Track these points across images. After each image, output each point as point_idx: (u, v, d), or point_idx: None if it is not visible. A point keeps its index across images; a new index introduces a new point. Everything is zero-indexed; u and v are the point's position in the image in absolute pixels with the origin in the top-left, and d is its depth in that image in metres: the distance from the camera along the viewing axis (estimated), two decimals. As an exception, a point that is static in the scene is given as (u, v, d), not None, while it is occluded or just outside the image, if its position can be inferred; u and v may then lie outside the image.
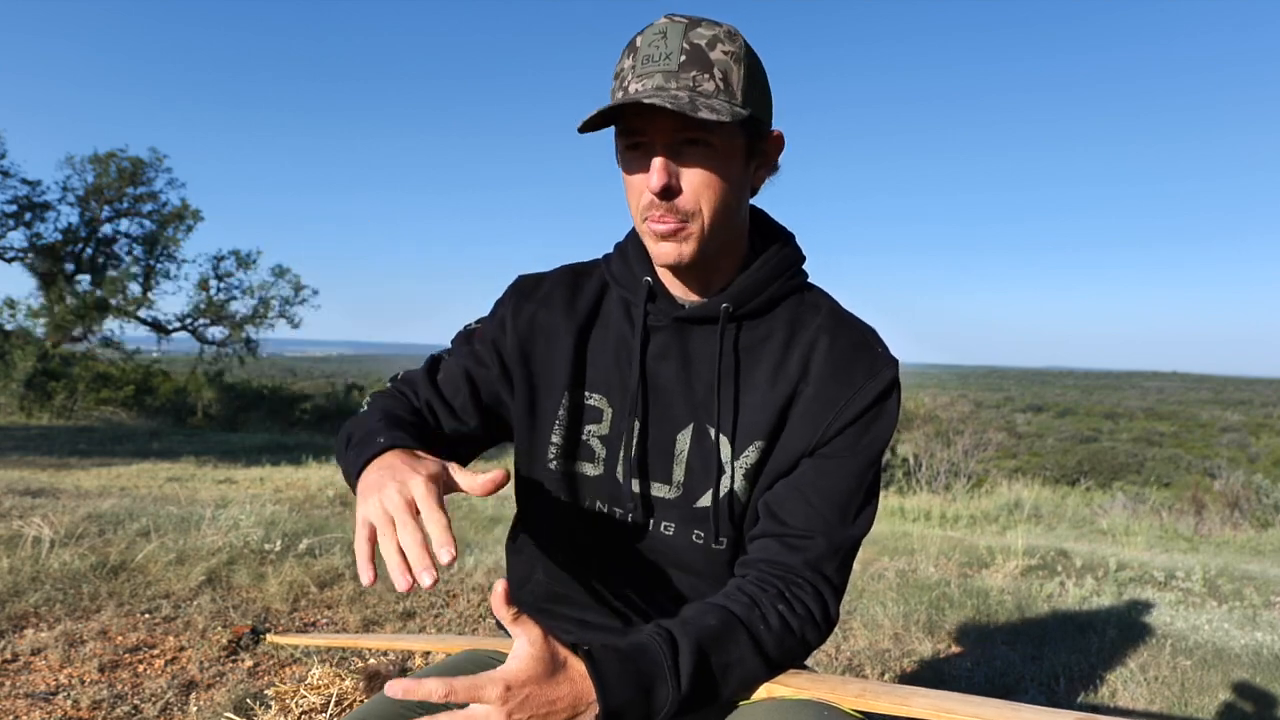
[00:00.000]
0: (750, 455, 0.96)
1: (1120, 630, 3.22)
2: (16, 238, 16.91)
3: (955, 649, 2.97)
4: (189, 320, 18.54)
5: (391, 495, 0.75)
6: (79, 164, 17.32)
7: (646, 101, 0.82)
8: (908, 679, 2.63)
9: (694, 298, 0.98)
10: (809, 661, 1.06)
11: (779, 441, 0.96)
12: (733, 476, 0.96)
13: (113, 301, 17.18)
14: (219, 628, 2.44)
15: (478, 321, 1.09)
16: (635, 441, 0.98)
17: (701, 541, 0.99)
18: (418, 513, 0.75)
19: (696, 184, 0.88)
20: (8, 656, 2.14)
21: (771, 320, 0.99)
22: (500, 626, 1.15)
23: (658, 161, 0.87)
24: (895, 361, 0.98)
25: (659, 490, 0.99)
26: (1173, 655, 2.88)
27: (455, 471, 0.82)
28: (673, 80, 0.85)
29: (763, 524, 0.95)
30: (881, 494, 1.05)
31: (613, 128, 0.92)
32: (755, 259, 0.99)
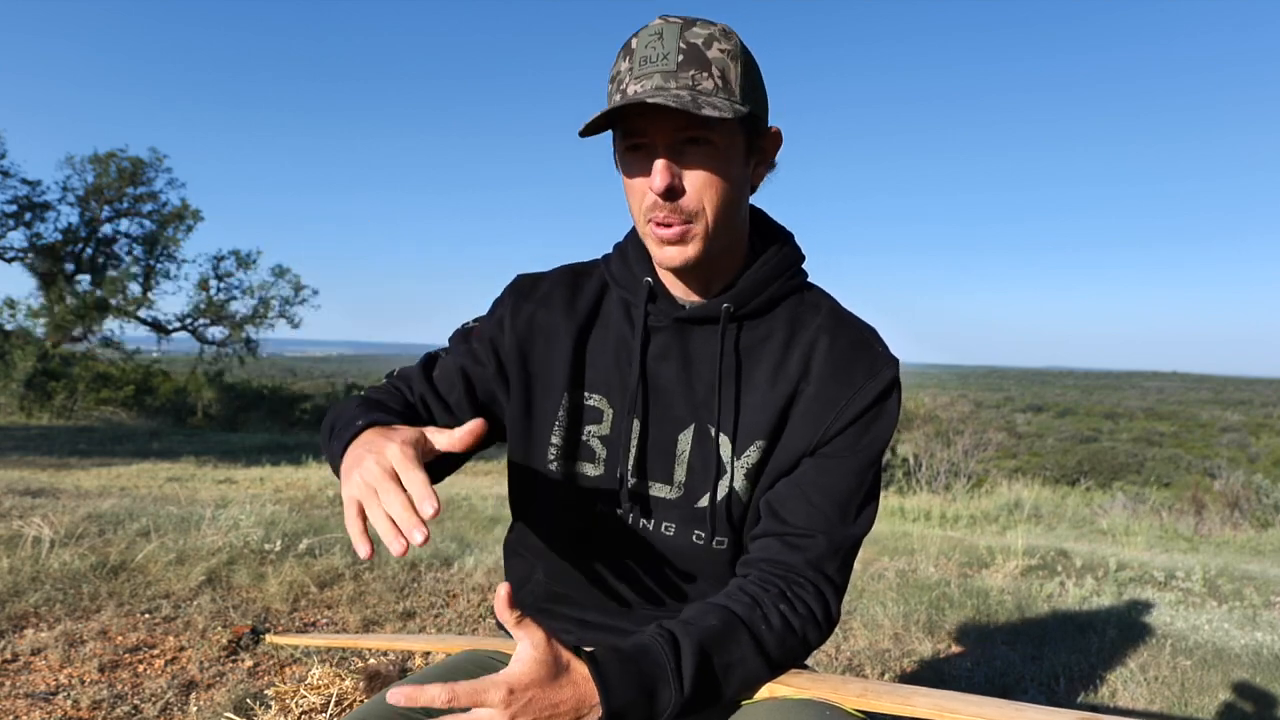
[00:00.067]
0: (751, 455, 0.96)
1: (1120, 630, 3.22)
2: (16, 238, 16.93)
3: (955, 649, 2.97)
4: (189, 320, 18.55)
5: (370, 467, 0.76)
6: (79, 164, 17.33)
7: (651, 101, 0.82)
8: (908, 679, 2.63)
9: (694, 298, 0.98)
10: (809, 661, 1.06)
11: (780, 441, 0.96)
12: (733, 476, 0.96)
13: (113, 301, 17.19)
14: (219, 628, 2.44)
15: (475, 320, 1.08)
16: (636, 442, 0.98)
17: (702, 541, 0.98)
18: (399, 479, 0.75)
19: (699, 184, 0.88)
20: (8, 656, 2.14)
21: (772, 320, 0.99)
22: (500, 627, 1.15)
23: (660, 163, 0.87)
24: (895, 361, 0.98)
25: (660, 490, 0.99)
26: (1173, 655, 2.88)
27: (432, 434, 0.82)
28: (672, 80, 0.85)
29: (764, 523, 0.95)
30: (882, 494, 1.05)
31: (611, 130, 0.92)
32: (755, 259, 0.99)
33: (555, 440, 1.01)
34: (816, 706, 0.84)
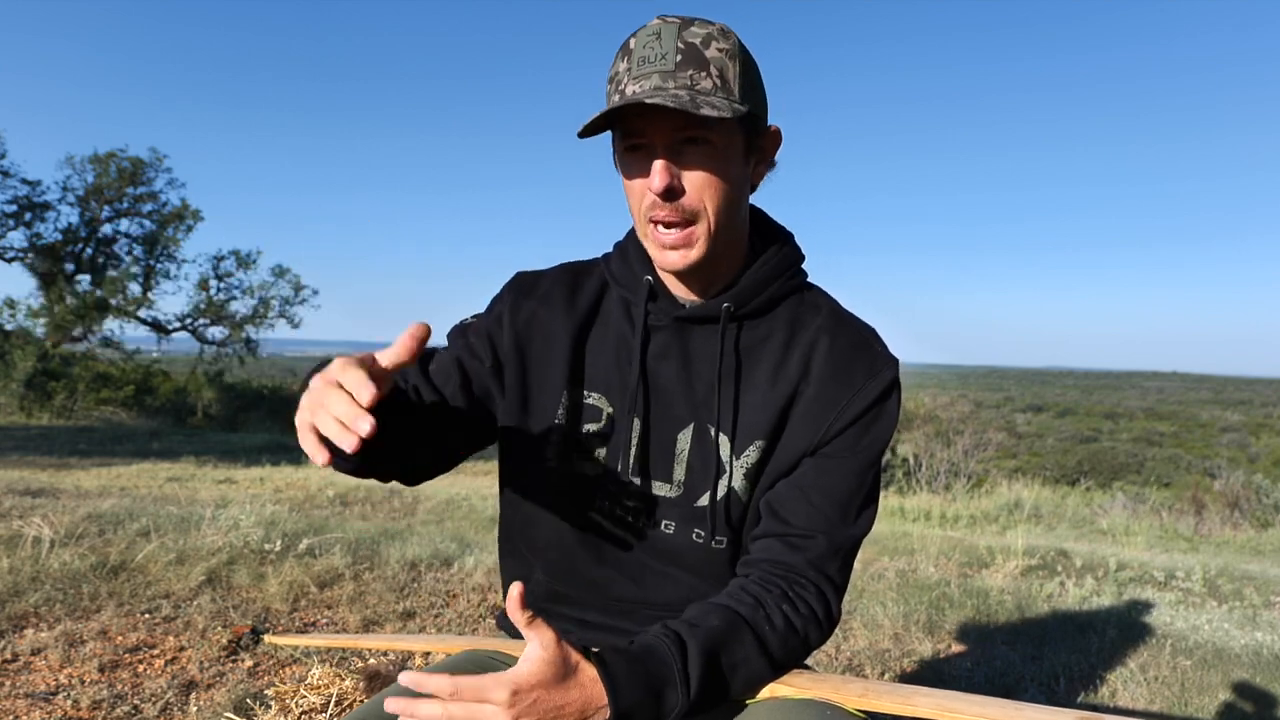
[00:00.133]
0: (751, 455, 0.96)
1: (1120, 630, 3.22)
2: (16, 238, 16.92)
3: (955, 649, 2.97)
4: (189, 320, 18.54)
5: (316, 385, 0.75)
6: (79, 164, 17.32)
7: (649, 101, 0.82)
8: (908, 679, 2.63)
9: (694, 297, 0.98)
10: (809, 661, 1.06)
11: (780, 441, 0.96)
12: (732, 476, 0.96)
13: (113, 301, 17.18)
14: (219, 628, 2.44)
15: (473, 317, 1.08)
16: (636, 440, 0.98)
17: (701, 540, 0.98)
18: (342, 387, 0.74)
19: (699, 183, 0.88)
20: (8, 656, 2.14)
21: (772, 320, 0.98)
22: (500, 627, 1.15)
23: (659, 163, 0.87)
24: (895, 361, 0.98)
25: (660, 489, 0.99)
26: (1173, 655, 2.88)
27: (378, 355, 0.80)
28: (670, 80, 0.85)
29: (764, 523, 0.95)
30: (881, 494, 1.05)
31: (610, 131, 0.92)
32: (755, 258, 0.99)
33: (555, 438, 1.00)
34: (817, 706, 0.84)
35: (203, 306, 18.45)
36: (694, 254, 0.90)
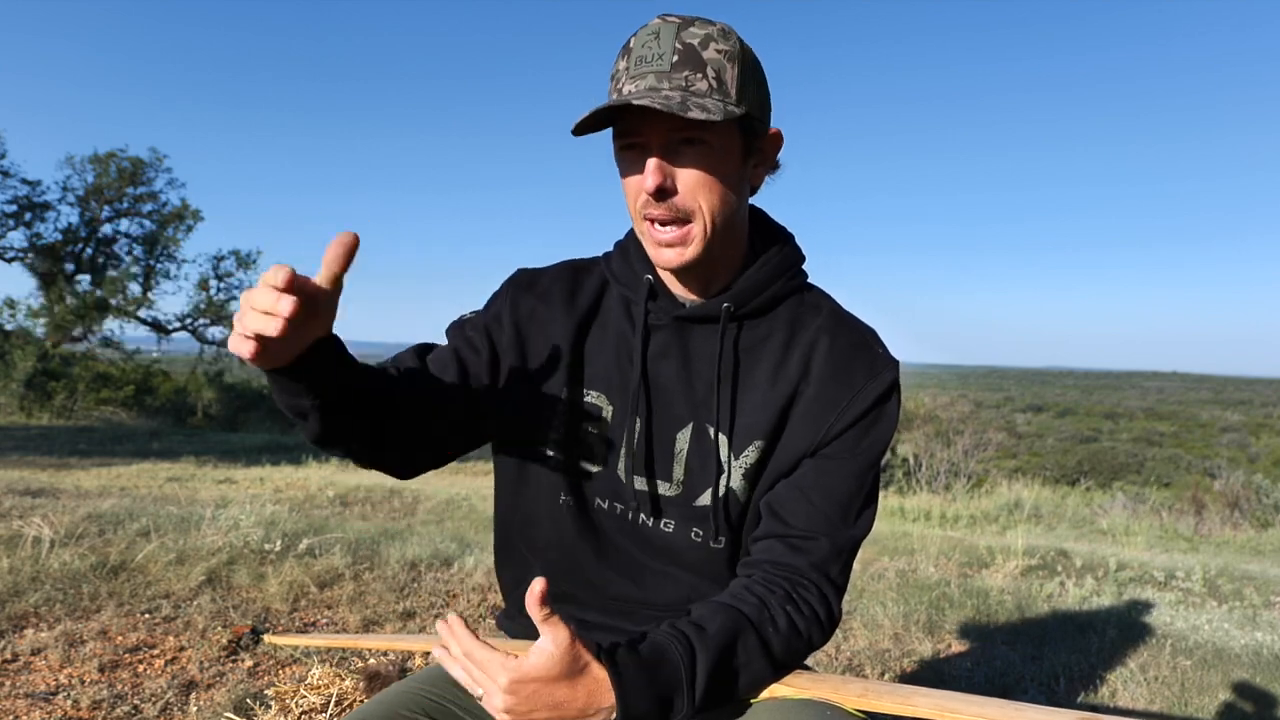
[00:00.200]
0: (750, 455, 0.96)
1: (1120, 630, 3.22)
2: (16, 238, 16.92)
3: (955, 649, 2.97)
4: (189, 320, 18.53)
5: (242, 297, 0.75)
6: (79, 164, 17.32)
7: (636, 103, 0.82)
8: (908, 679, 2.63)
9: (694, 297, 0.98)
10: (809, 661, 1.06)
11: (779, 442, 0.96)
12: (731, 476, 0.96)
13: (113, 301, 17.18)
14: (219, 628, 2.44)
15: (472, 313, 1.07)
16: (636, 439, 0.98)
17: (700, 539, 0.99)
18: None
19: (692, 183, 0.88)
20: (8, 656, 2.14)
21: (772, 320, 0.98)
22: (499, 627, 1.15)
23: (652, 162, 0.87)
24: (895, 363, 0.98)
25: (660, 488, 0.99)
26: (1173, 655, 2.88)
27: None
28: (665, 80, 0.85)
29: (765, 524, 0.95)
30: (881, 494, 1.05)
31: (610, 129, 0.92)
32: (755, 258, 0.99)
33: (554, 436, 1.00)
34: (817, 706, 0.84)
35: (203, 306, 18.44)
36: (689, 252, 0.91)
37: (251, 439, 12.30)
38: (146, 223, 18.19)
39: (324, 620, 2.71)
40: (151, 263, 18.11)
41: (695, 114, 0.82)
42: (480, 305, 1.08)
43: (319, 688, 1.82)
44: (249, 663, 2.24)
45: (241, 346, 0.73)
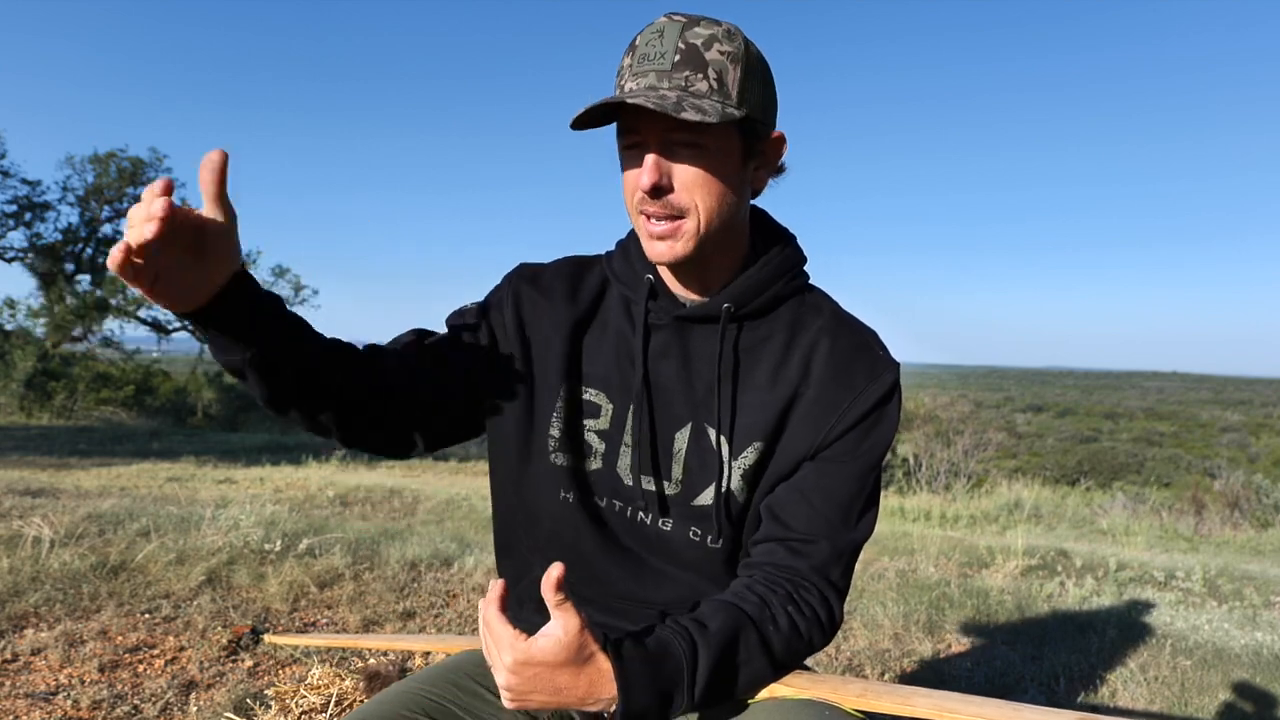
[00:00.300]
0: (749, 456, 0.96)
1: (1120, 630, 3.22)
2: (16, 238, 16.93)
3: (955, 649, 2.97)
4: (189, 320, 18.53)
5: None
6: (79, 164, 17.32)
7: (631, 102, 0.82)
8: (908, 679, 2.63)
9: (694, 296, 0.98)
10: (809, 661, 1.06)
11: (779, 444, 0.96)
12: (730, 476, 0.96)
13: (113, 301, 17.18)
14: (219, 628, 2.44)
15: (473, 303, 1.07)
16: (635, 438, 0.98)
17: (698, 539, 0.99)
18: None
19: (688, 182, 0.88)
20: (8, 656, 2.14)
21: (772, 321, 0.98)
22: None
23: (649, 160, 0.87)
24: (896, 364, 0.98)
25: (658, 487, 0.99)
26: (1173, 655, 2.88)
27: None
28: (665, 80, 0.85)
29: (765, 528, 0.95)
30: (882, 494, 1.05)
31: (615, 125, 0.93)
32: (756, 259, 0.99)
33: (554, 433, 1.00)
34: (816, 707, 0.84)
35: (203, 306, 18.43)
36: (680, 247, 0.91)
37: (251, 439, 12.30)
38: (147, 223, 18.19)
39: (324, 620, 2.71)
40: (151, 263, 18.10)
41: (689, 115, 0.82)
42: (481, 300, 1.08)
43: (319, 688, 1.82)
44: (249, 663, 2.24)
45: (113, 255, 0.71)
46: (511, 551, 1.09)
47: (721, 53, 0.87)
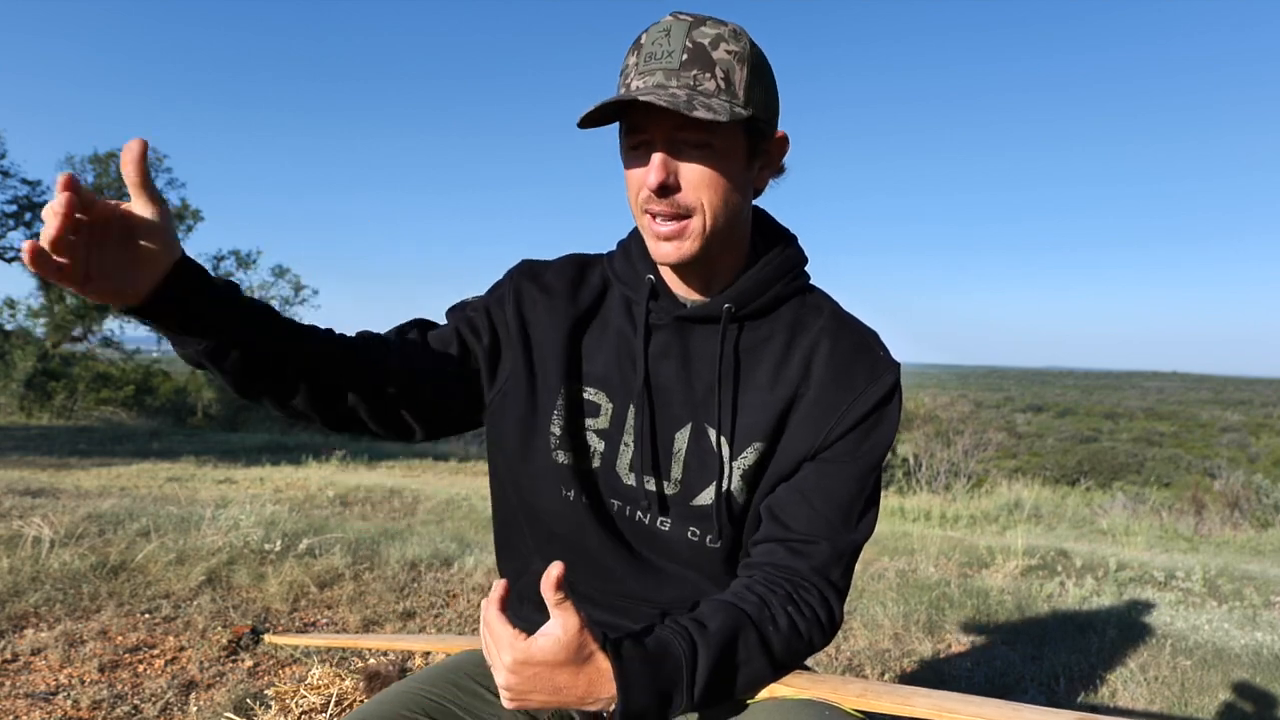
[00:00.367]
0: (749, 456, 0.96)
1: (1120, 630, 3.22)
2: (16, 238, 16.91)
3: (955, 649, 2.97)
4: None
5: None
6: (79, 164, 17.30)
7: (642, 99, 0.82)
8: (908, 679, 2.63)
9: (696, 296, 0.98)
10: (809, 661, 1.06)
11: (779, 444, 0.96)
12: (729, 476, 0.96)
13: (113, 301, 17.18)
14: (219, 628, 2.44)
15: (474, 297, 1.07)
16: (635, 438, 0.98)
17: (696, 539, 0.99)
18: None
19: (695, 181, 0.88)
20: (8, 656, 2.14)
21: (773, 321, 0.98)
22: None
23: (656, 158, 0.87)
24: (896, 365, 0.98)
25: (658, 486, 0.99)
26: (1173, 655, 2.88)
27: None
28: (673, 78, 0.85)
29: (765, 528, 0.95)
30: (882, 494, 1.05)
31: (618, 123, 0.92)
32: (758, 260, 0.99)
33: (555, 431, 1.00)
34: (816, 706, 0.84)
35: (203, 306, 18.44)
36: (687, 247, 0.91)
37: (251, 439, 12.30)
38: (147, 222, 18.20)
39: (324, 620, 2.71)
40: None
41: (700, 113, 0.82)
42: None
43: (319, 688, 1.82)
44: (249, 663, 2.24)
45: (24, 252, 0.71)
46: (512, 548, 1.10)
47: (729, 52, 0.87)
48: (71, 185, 0.70)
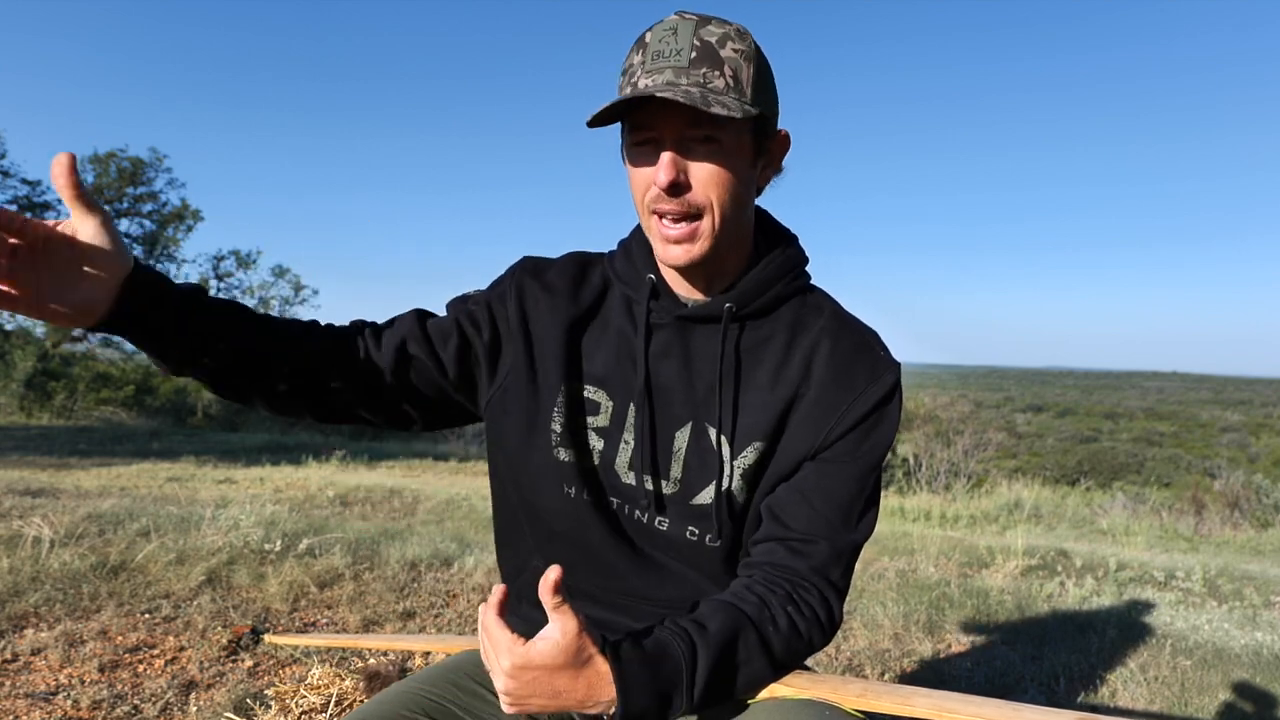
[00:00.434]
0: (749, 456, 0.96)
1: (1120, 630, 3.22)
2: (16, 238, 16.91)
3: (955, 649, 2.97)
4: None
5: None
6: (79, 164, 17.25)
7: (660, 95, 0.82)
8: (908, 679, 2.63)
9: (697, 296, 0.98)
10: (809, 661, 1.06)
11: (779, 444, 0.96)
12: (730, 476, 0.96)
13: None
14: (219, 628, 2.44)
15: (476, 291, 1.07)
16: (635, 437, 0.98)
17: (696, 538, 0.99)
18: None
19: (705, 179, 0.88)
20: (8, 656, 2.14)
21: (774, 321, 0.98)
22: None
23: (666, 157, 0.87)
24: (897, 365, 0.98)
25: (658, 486, 0.99)
26: (1173, 655, 2.88)
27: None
28: (683, 76, 0.85)
29: (765, 528, 0.95)
30: (882, 494, 1.05)
31: (620, 123, 0.92)
32: (759, 259, 0.99)
33: (556, 428, 1.00)
34: (816, 707, 0.84)
35: (203, 306, 18.42)
36: (697, 249, 0.91)
37: (251, 439, 12.29)
38: (147, 223, 18.17)
39: (324, 620, 2.71)
40: (152, 263, 18.06)
41: (717, 110, 0.82)
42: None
43: (319, 688, 1.82)
44: (249, 663, 2.24)
45: None
46: (512, 546, 1.10)
47: (736, 51, 0.87)
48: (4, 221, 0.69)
